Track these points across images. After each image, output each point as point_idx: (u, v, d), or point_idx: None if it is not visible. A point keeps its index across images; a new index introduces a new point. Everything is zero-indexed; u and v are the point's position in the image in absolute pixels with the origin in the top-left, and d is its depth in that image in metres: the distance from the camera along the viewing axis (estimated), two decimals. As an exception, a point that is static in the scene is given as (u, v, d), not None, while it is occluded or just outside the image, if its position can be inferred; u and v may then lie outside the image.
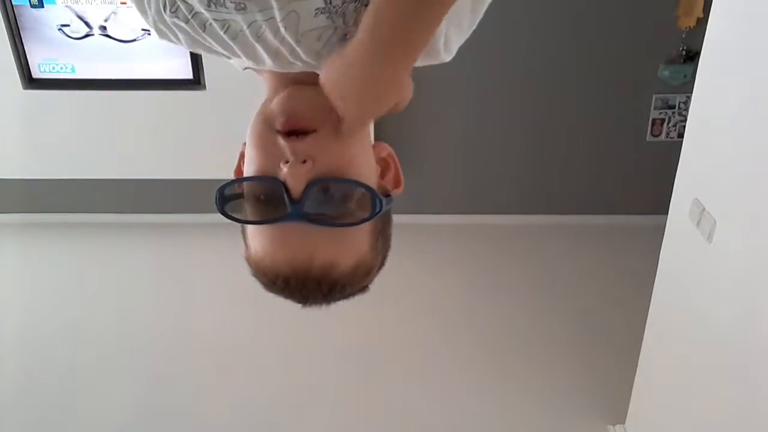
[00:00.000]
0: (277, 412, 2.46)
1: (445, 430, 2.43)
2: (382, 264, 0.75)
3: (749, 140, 1.48)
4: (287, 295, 0.67)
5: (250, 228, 0.68)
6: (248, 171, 0.68)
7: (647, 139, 3.46)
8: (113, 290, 3.18)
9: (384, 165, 0.78)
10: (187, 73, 3.20)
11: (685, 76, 3.23)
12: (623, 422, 2.28)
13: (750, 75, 1.50)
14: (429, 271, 3.27)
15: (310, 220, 0.63)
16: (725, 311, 1.57)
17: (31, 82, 3.21)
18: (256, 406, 2.48)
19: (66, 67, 3.19)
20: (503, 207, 3.65)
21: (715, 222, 1.59)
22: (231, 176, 0.73)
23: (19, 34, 3.10)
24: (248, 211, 0.67)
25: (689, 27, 3.15)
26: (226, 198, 0.68)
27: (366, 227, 0.68)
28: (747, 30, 1.53)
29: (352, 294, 0.71)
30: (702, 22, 3.05)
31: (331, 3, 0.60)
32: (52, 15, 3.08)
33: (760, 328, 1.42)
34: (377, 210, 0.67)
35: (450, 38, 0.67)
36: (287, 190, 0.63)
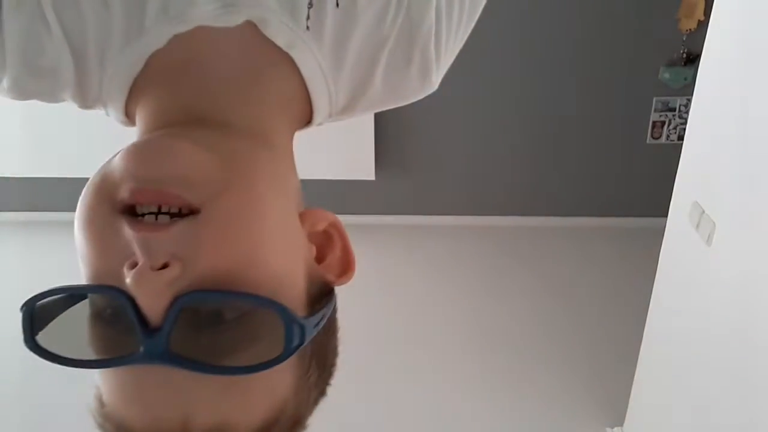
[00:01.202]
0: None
1: (445, 430, 2.43)
2: (323, 393, 0.51)
3: (749, 143, 1.48)
4: None
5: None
6: (83, 270, 0.43)
7: (647, 141, 3.46)
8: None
9: (324, 241, 0.50)
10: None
11: (685, 79, 3.23)
12: (621, 424, 2.28)
13: (751, 78, 1.50)
14: (428, 271, 3.27)
15: (177, 363, 0.38)
16: (724, 314, 1.57)
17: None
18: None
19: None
20: (503, 208, 3.65)
21: (715, 225, 1.59)
22: None
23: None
24: (88, 334, 0.42)
25: (690, 30, 3.15)
26: (41, 317, 0.42)
27: (284, 363, 0.41)
28: (748, 33, 1.53)
29: None
30: (703, 25, 3.05)
31: None
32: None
33: (759, 330, 1.42)
34: (294, 342, 0.41)
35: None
36: (139, 312, 0.39)
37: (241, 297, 0.40)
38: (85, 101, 0.53)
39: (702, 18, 3.08)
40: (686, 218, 1.74)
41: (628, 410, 2.23)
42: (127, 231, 0.39)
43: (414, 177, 3.60)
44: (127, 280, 0.38)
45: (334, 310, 0.50)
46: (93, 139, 3.42)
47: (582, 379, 2.58)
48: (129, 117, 0.53)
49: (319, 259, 0.50)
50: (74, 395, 2.54)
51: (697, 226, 1.67)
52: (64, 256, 3.40)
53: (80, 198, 0.43)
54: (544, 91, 3.40)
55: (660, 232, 1.94)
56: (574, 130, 3.47)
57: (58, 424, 2.46)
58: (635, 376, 2.15)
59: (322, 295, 0.48)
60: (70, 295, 0.42)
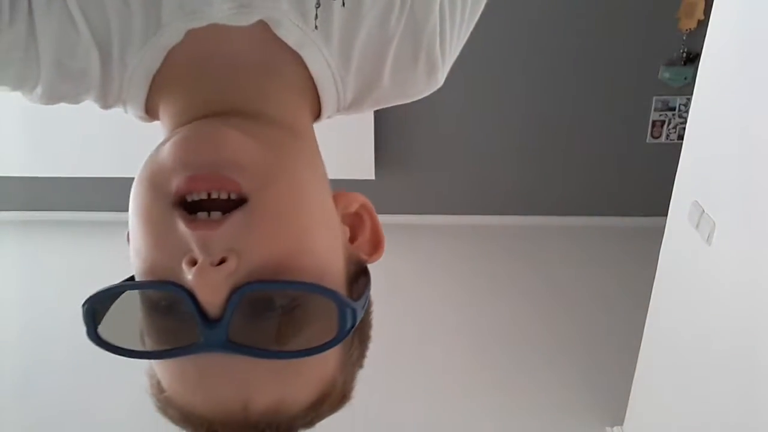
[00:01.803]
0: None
1: (445, 429, 2.43)
2: (362, 366, 0.54)
3: (749, 142, 1.48)
4: None
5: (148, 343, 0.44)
6: (136, 263, 0.44)
7: (647, 140, 3.46)
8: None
9: (355, 222, 0.53)
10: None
11: (685, 78, 3.23)
12: (621, 424, 2.28)
13: (750, 77, 1.50)
14: (428, 271, 3.27)
15: (237, 351, 0.40)
16: (724, 313, 1.57)
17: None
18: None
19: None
20: (503, 208, 3.65)
21: (715, 224, 1.59)
22: None
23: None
24: (144, 325, 0.43)
25: (690, 29, 3.15)
26: (101, 312, 0.42)
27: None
28: (748, 32, 1.53)
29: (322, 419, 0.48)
30: (703, 24, 3.05)
31: None
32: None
33: (759, 330, 1.42)
34: (348, 325, 0.43)
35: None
36: (198, 305, 0.40)
37: (294, 285, 0.42)
38: (107, 101, 0.53)
39: (702, 17, 3.08)
40: (686, 218, 1.74)
41: (628, 409, 2.23)
42: (183, 228, 0.40)
43: (414, 176, 3.60)
44: (189, 277, 0.39)
45: (369, 285, 0.51)
46: (92, 139, 3.43)
47: (582, 378, 2.58)
48: (149, 113, 0.54)
49: (352, 239, 0.51)
50: (74, 395, 2.53)
51: (697, 225, 1.67)
52: (64, 254, 3.40)
53: (133, 193, 0.43)
54: (544, 91, 3.39)
55: (660, 232, 1.94)
56: (574, 130, 3.47)
57: (58, 424, 2.46)
58: (635, 375, 2.15)
59: (358, 274, 0.50)
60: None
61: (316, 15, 0.50)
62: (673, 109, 3.38)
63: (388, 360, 2.72)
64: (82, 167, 3.51)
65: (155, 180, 0.42)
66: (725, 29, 1.62)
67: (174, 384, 0.44)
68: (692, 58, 3.19)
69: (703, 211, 1.65)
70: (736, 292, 1.53)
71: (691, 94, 1.78)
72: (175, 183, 0.40)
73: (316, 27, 0.50)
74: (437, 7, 0.54)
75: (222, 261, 0.39)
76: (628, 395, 2.20)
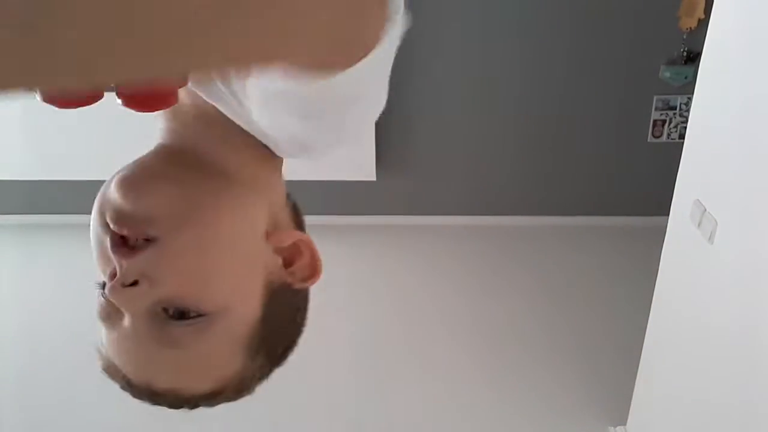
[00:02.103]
0: (277, 411, 2.46)
1: (446, 429, 2.43)
2: (276, 365, 0.62)
3: (751, 141, 1.48)
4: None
5: None
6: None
7: (648, 140, 3.46)
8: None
9: (292, 252, 0.60)
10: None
11: (686, 77, 3.23)
12: (624, 423, 2.28)
13: (751, 76, 1.50)
14: (428, 271, 3.27)
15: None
16: (726, 312, 1.57)
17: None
18: (257, 406, 2.48)
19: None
20: (504, 208, 3.65)
21: (717, 223, 1.59)
22: None
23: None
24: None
25: (690, 28, 3.15)
26: None
27: (232, 346, 0.55)
28: (748, 31, 1.52)
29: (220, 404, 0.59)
30: (703, 23, 3.05)
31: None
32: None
33: (761, 329, 1.42)
34: None
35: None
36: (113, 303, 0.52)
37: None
38: None
39: (702, 16, 3.08)
40: (688, 217, 1.74)
41: (631, 409, 2.23)
42: (109, 248, 0.51)
43: (415, 177, 3.60)
44: (105, 290, 0.51)
45: (298, 297, 0.61)
46: (91, 143, 3.43)
47: (585, 378, 2.58)
48: None
49: (287, 265, 0.60)
50: (74, 395, 2.53)
51: (699, 224, 1.67)
52: (62, 258, 3.40)
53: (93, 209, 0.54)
54: (545, 91, 3.39)
55: (662, 231, 1.94)
56: (575, 129, 3.47)
57: (59, 424, 2.46)
58: (638, 374, 2.15)
59: (283, 293, 0.59)
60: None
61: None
62: (674, 108, 3.38)
63: (388, 360, 2.72)
64: (81, 170, 3.51)
65: (101, 209, 0.52)
66: (726, 28, 1.62)
67: (107, 347, 0.57)
68: (693, 57, 3.19)
69: (705, 210, 1.64)
70: (739, 291, 1.52)
71: (692, 93, 1.78)
72: (108, 217, 0.51)
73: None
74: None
75: (135, 282, 0.51)
76: (631, 395, 2.20)
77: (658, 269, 1.99)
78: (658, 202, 2.42)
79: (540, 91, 3.39)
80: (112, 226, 0.51)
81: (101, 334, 0.57)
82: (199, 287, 0.52)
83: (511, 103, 3.42)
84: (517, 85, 3.38)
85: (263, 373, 0.60)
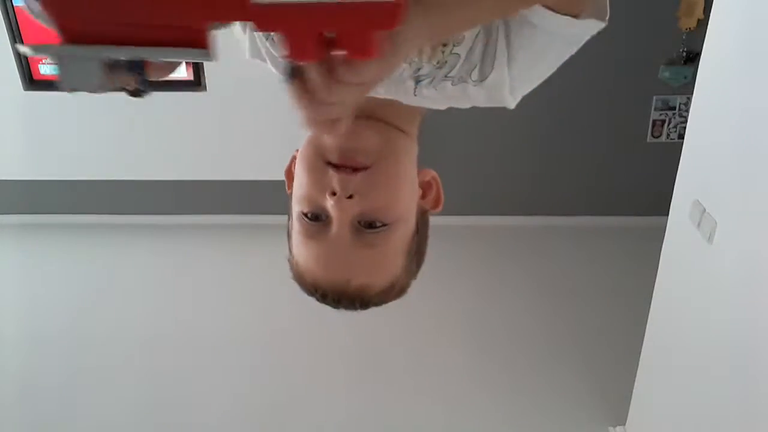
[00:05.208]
0: (278, 412, 2.46)
1: (446, 429, 2.43)
2: (416, 276, 0.83)
3: (750, 141, 1.48)
4: (323, 303, 0.74)
5: (294, 237, 0.75)
6: (296, 191, 0.74)
7: (648, 140, 3.46)
8: (113, 291, 3.18)
9: (426, 187, 0.84)
10: (187, 75, 3.20)
11: (685, 78, 3.23)
12: (624, 423, 2.28)
13: (750, 76, 1.50)
14: (428, 271, 3.26)
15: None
16: (726, 312, 1.57)
17: (32, 83, 3.21)
18: (258, 407, 2.48)
19: (67, 69, 3.19)
20: (504, 208, 3.65)
21: (716, 223, 1.59)
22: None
23: (20, 35, 3.10)
24: (294, 223, 0.74)
25: (690, 28, 3.15)
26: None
27: (401, 251, 0.75)
28: (747, 31, 1.53)
29: (385, 304, 0.78)
30: (702, 24, 3.05)
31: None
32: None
33: (760, 329, 1.42)
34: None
35: (516, 88, 0.78)
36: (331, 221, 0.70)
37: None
38: None
39: (702, 16, 3.08)
40: (687, 217, 1.74)
41: (631, 409, 2.23)
42: (331, 173, 0.70)
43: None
44: (330, 202, 0.69)
45: (428, 225, 0.84)
46: (91, 142, 3.43)
47: (584, 378, 2.58)
48: None
49: (423, 196, 0.82)
50: (75, 395, 2.53)
51: (699, 224, 1.67)
52: (63, 257, 3.40)
53: (302, 147, 0.74)
54: (544, 90, 3.37)
55: (661, 231, 1.94)
56: (574, 129, 3.47)
57: (59, 424, 2.46)
58: (637, 374, 2.15)
59: (423, 215, 0.81)
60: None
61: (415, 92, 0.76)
62: (674, 108, 3.38)
63: (386, 360, 2.72)
64: (82, 170, 3.51)
65: (320, 149, 0.72)
66: (725, 28, 1.62)
67: (308, 260, 0.73)
68: (692, 58, 3.19)
69: (705, 210, 1.65)
70: (738, 291, 1.53)
71: (692, 93, 1.79)
72: (331, 155, 0.71)
73: (414, 95, 0.76)
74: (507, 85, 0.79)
75: (350, 197, 0.69)
76: (631, 395, 2.20)
77: (657, 269, 1.99)
78: (658, 202, 2.41)
79: (539, 90, 3.37)
80: (338, 161, 0.70)
81: (300, 253, 0.74)
82: (390, 202, 0.72)
83: (510, 103, 3.41)
84: (516, 85, 3.37)
85: (410, 278, 0.80)
